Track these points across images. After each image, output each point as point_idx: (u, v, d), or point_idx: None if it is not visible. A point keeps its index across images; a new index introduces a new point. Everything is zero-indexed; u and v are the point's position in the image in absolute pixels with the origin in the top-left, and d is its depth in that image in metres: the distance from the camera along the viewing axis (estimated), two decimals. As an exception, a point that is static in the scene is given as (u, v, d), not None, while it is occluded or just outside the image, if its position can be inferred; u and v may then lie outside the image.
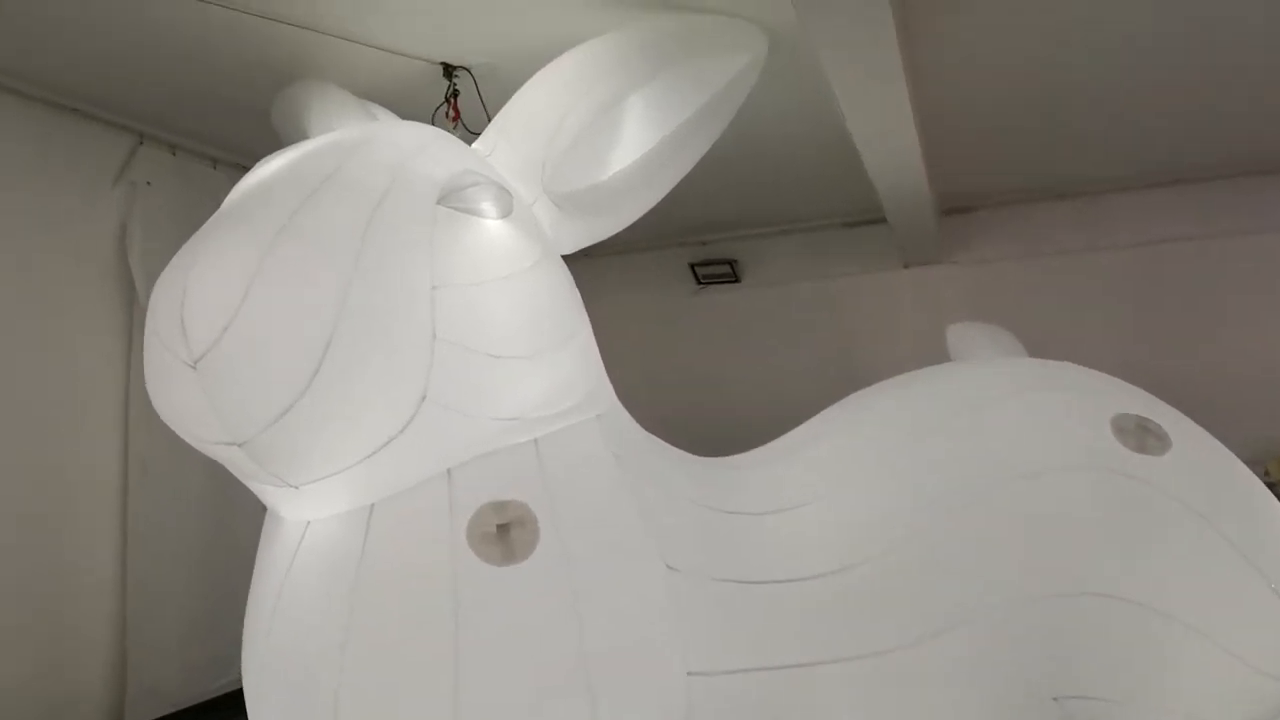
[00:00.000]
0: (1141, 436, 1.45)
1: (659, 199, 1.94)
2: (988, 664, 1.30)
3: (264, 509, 1.38)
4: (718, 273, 4.16)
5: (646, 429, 1.59)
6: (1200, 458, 1.47)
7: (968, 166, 3.21)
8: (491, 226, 1.31)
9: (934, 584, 1.35)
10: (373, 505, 1.23)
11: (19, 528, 2.18)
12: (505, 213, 1.33)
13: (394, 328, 1.14)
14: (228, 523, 2.81)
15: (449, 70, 2.06)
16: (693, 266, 4.17)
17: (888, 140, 2.39)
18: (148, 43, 1.88)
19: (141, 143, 2.53)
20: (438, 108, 2.08)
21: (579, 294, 1.53)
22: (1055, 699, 1.31)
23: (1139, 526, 1.35)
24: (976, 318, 3.65)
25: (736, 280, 4.17)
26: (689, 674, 1.22)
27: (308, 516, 1.26)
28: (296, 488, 1.20)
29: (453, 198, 1.26)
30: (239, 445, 1.12)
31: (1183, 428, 1.52)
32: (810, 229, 3.99)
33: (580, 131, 1.63)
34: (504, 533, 1.20)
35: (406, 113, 1.86)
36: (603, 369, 1.54)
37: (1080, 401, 1.53)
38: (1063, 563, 1.34)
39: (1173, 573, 1.32)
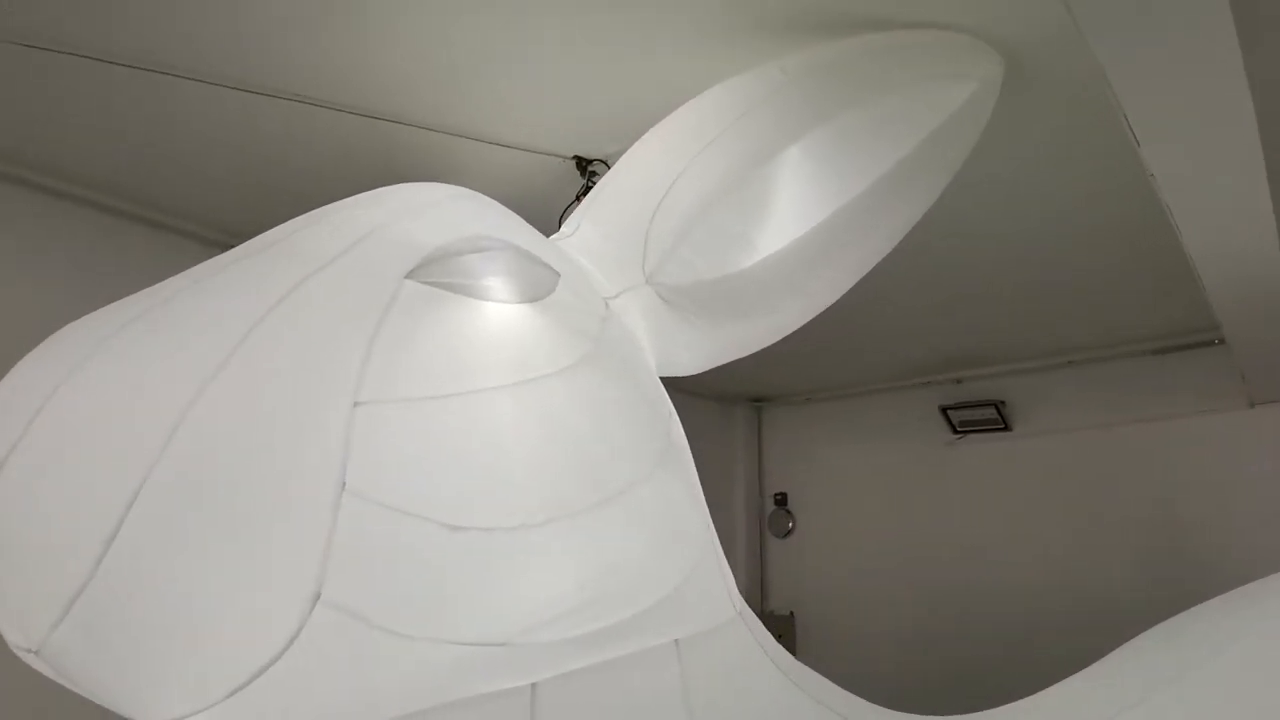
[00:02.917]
0: None
1: (840, 294, 1.36)
2: None
3: None
4: (979, 418, 3.28)
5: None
6: None
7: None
8: (496, 313, 0.81)
9: None
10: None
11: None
12: (528, 295, 0.84)
13: (260, 469, 0.66)
14: None
15: (583, 164, 1.71)
16: (945, 411, 3.34)
17: (1231, 217, 1.54)
18: (267, 155, 1.75)
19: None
20: (568, 207, 1.73)
21: (675, 425, 0.97)
22: None
23: None
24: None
25: (1005, 428, 3.25)
26: None
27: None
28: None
29: (434, 268, 0.80)
30: (34, 652, 0.69)
31: None
32: (1103, 358, 3.02)
33: (706, 200, 1.14)
34: None
35: (541, 212, 1.50)
36: (715, 550, 0.94)
37: None
38: None
39: None
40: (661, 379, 1.06)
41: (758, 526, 3.89)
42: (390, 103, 1.57)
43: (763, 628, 1.00)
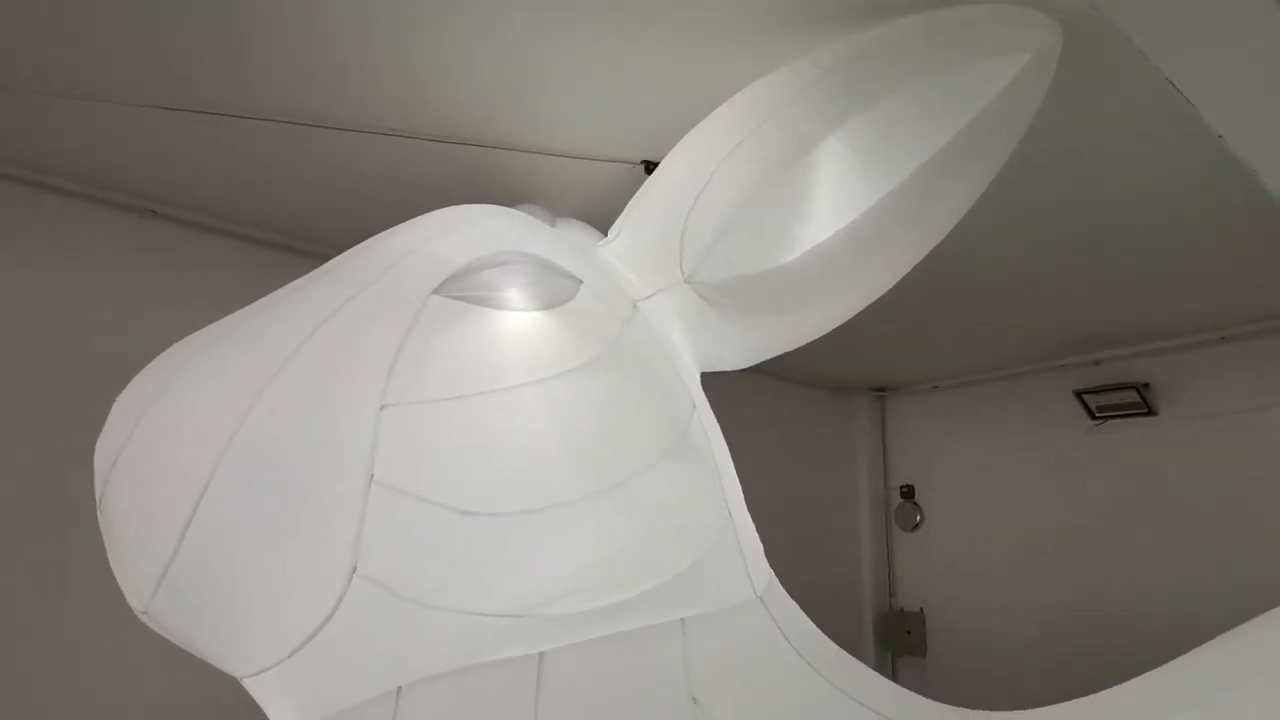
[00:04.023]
0: None
1: (889, 285, 1.34)
2: None
3: None
4: (1120, 402, 3.03)
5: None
6: None
7: None
8: (514, 321, 0.90)
9: None
10: (315, 724, 0.84)
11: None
12: (546, 303, 0.92)
13: (302, 464, 0.79)
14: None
15: (650, 167, 1.77)
16: (1081, 395, 3.11)
17: None
18: (353, 179, 1.95)
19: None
20: (637, 210, 1.79)
21: (696, 420, 1.01)
22: None
23: None
24: None
25: (1150, 412, 2.99)
26: None
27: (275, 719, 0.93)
28: (243, 680, 0.89)
29: (459, 283, 0.90)
30: (146, 614, 0.85)
31: None
32: (1261, 332, 2.70)
33: (742, 199, 1.17)
34: (432, 819, 0.71)
35: (611, 219, 1.60)
36: (735, 532, 0.98)
37: None
38: None
39: None
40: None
41: (883, 520, 3.79)
42: (468, 128, 1.71)
43: (800, 617, 1.02)
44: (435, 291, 0.89)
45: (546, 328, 0.91)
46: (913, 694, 1.03)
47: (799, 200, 1.20)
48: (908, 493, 3.74)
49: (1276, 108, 1.02)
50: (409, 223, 1.05)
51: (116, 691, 1.92)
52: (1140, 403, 2.96)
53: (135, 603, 0.84)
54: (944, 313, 2.86)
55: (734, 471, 1.11)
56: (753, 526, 1.08)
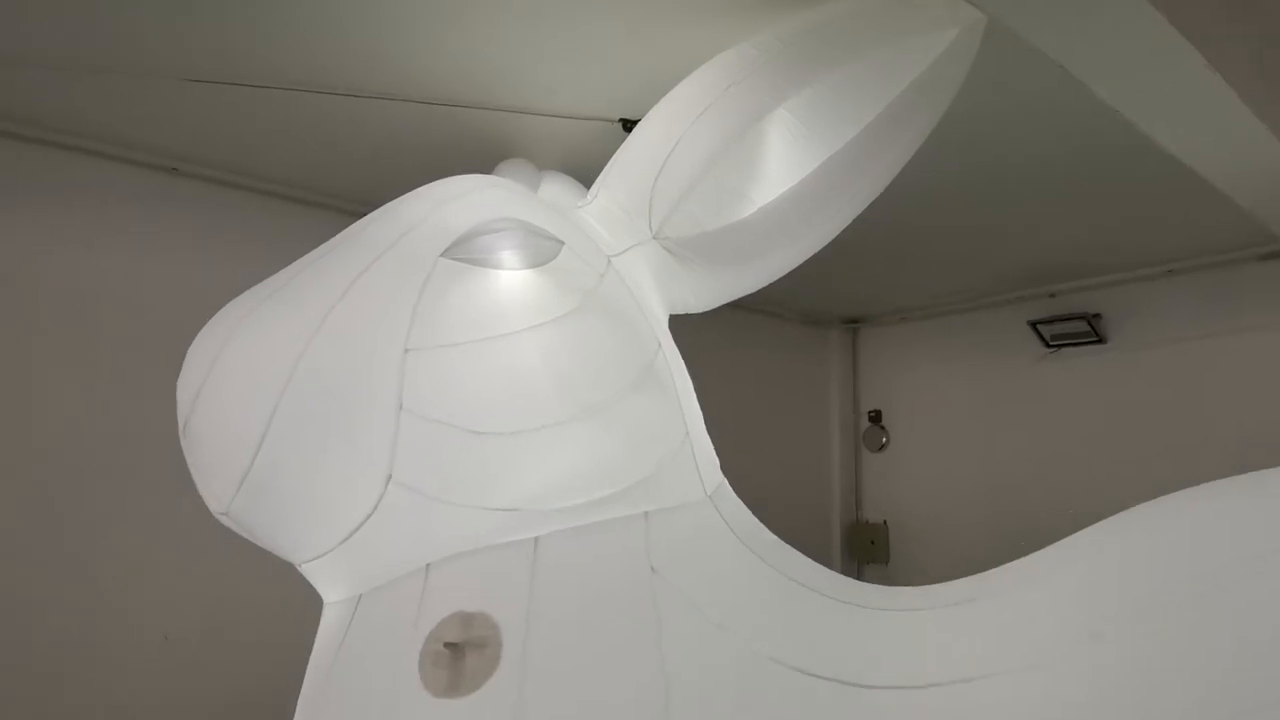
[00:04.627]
0: None
1: (829, 238, 1.54)
2: None
3: None
4: (1072, 332, 3.27)
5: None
6: None
7: None
8: (508, 276, 1.11)
9: None
10: (360, 596, 1.09)
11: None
12: (533, 263, 1.13)
13: (346, 397, 1.00)
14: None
15: (628, 125, 1.93)
16: (1035, 325, 3.35)
17: (1214, 135, 1.54)
18: (359, 139, 2.12)
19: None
20: (615, 165, 1.96)
21: (661, 357, 1.23)
22: None
23: None
24: None
25: (1100, 340, 3.23)
26: None
27: (327, 597, 1.17)
28: (301, 566, 1.13)
29: (461, 247, 1.10)
30: (225, 515, 1.08)
31: None
32: (1203, 266, 2.92)
33: (703, 162, 1.36)
34: (457, 655, 0.96)
35: (593, 171, 1.78)
36: (691, 446, 1.21)
37: None
38: None
39: None
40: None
41: (853, 441, 4.08)
42: (462, 92, 1.87)
43: (744, 512, 1.26)
44: (442, 255, 1.09)
45: (535, 283, 1.11)
46: (838, 575, 1.28)
47: (752, 165, 1.38)
48: (875, 417, 4.01)
49: (1147, 82, 1.20)
50: (416, 192, 1.24)
51: (168, 584, 2.22)
52: (1090, 332, 3.20)
53: (216, 505, 1.07)
54: (911, 250, 3.07)
55: (694, 396, 1.33)
56: (709, 442, 1.32)
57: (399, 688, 0.96)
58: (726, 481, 1.30)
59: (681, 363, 1.34)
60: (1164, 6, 1.05)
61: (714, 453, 1.32)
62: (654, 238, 1.36)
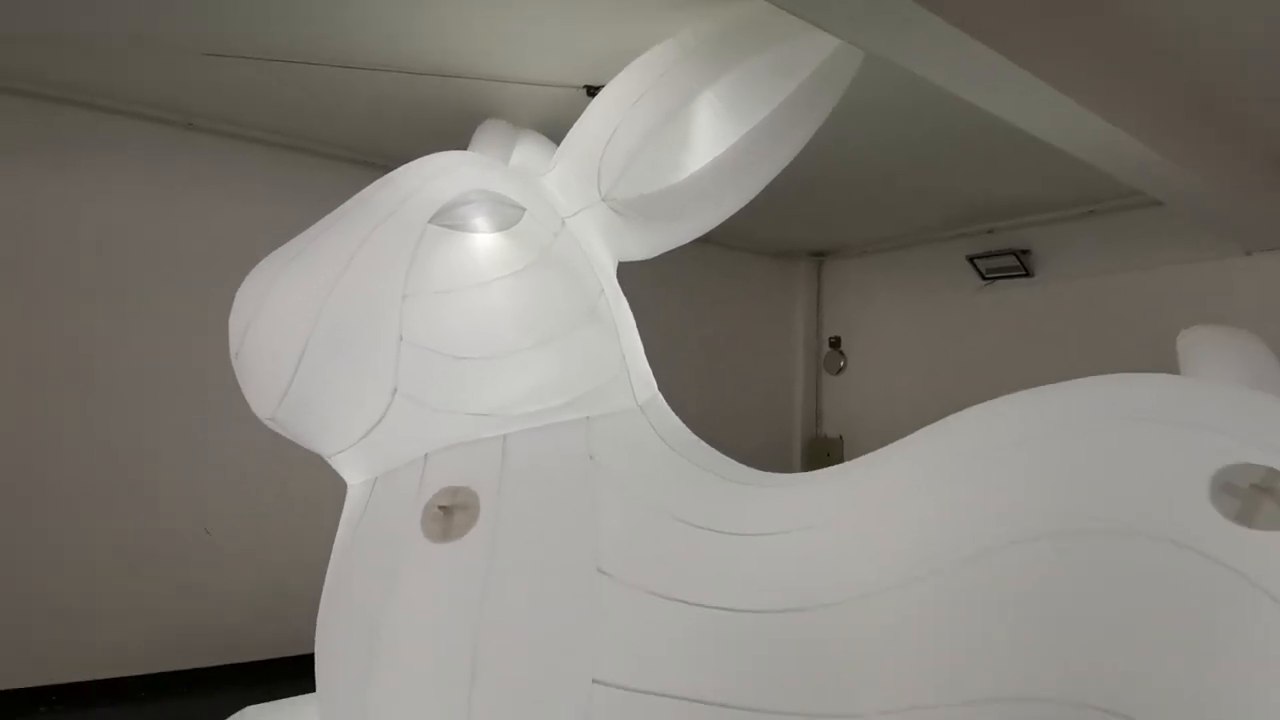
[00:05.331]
0: (1254, 500, 0.99)
1: (750, 198, 1.86)
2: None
3: None
4: (1004, 265, 3.60)
5: None
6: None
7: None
8: (481, 238, 1.45)
9: (897, 654, 1.11)
10: (376, 479, 1.47)
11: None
12: (501, 226, 1.46)
13: (360, 332, 1.36)
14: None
15: (591, 91, 2.22)
16: (973, 260, 3.68)
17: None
18: (357, 102, 2.42)
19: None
20: (580, 127, 2.26)
21: (603, 300, 1.58)
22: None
23: (1185, 623, 0.95)
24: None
25: (1027, 274, 3.57)
26: (593, 680, 1.22)
27: (351, 481, 1.56)
28: (330, 458, 1.51)
29: (445, 215, 1.44)
30: (272, 420, 1.45)
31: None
32: (1119, 208, 3.23)
33: (643, 137, 1.66)
34: (448, 514, 1.34)
35: (564, 132, 2.08)
36: (627, 369, 1.57)
37: (1185, 442, 1.09)
38: (1064, 659, 1.00)
39: (1225, 705, 0.90)
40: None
41: (815, 365, 4.46)
42: (448, 62, 2.16)
43: (671, 419, 1.62)
44: (430, 222, 1.43)
45: (502, 243, 1.45)
46: (735, 463, 1.63)
47: (684, 138, 1.69)
48: (835, 342, 4.39)
49: (976, 79, 1.52)
50: (406, 167, 1.56)
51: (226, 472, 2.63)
52: (1019, 266, 3.54)
53: (263, 412, 1.44)
54: (872, 191, 3.38)
55: (634, 329, 1.68)
56: (645, 366, 1.67)
57: (407, 537, 1.35)
58: (660, 396, 1.67)
59: (624, 302, 1.69)
60: (976, 31, 1.36)
61: (649, 373, 1.68)
62: (602, 200, 1.68)
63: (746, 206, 1.84)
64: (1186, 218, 2.71)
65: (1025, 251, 3.54)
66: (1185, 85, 2.18)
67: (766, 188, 1.77)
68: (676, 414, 1.65)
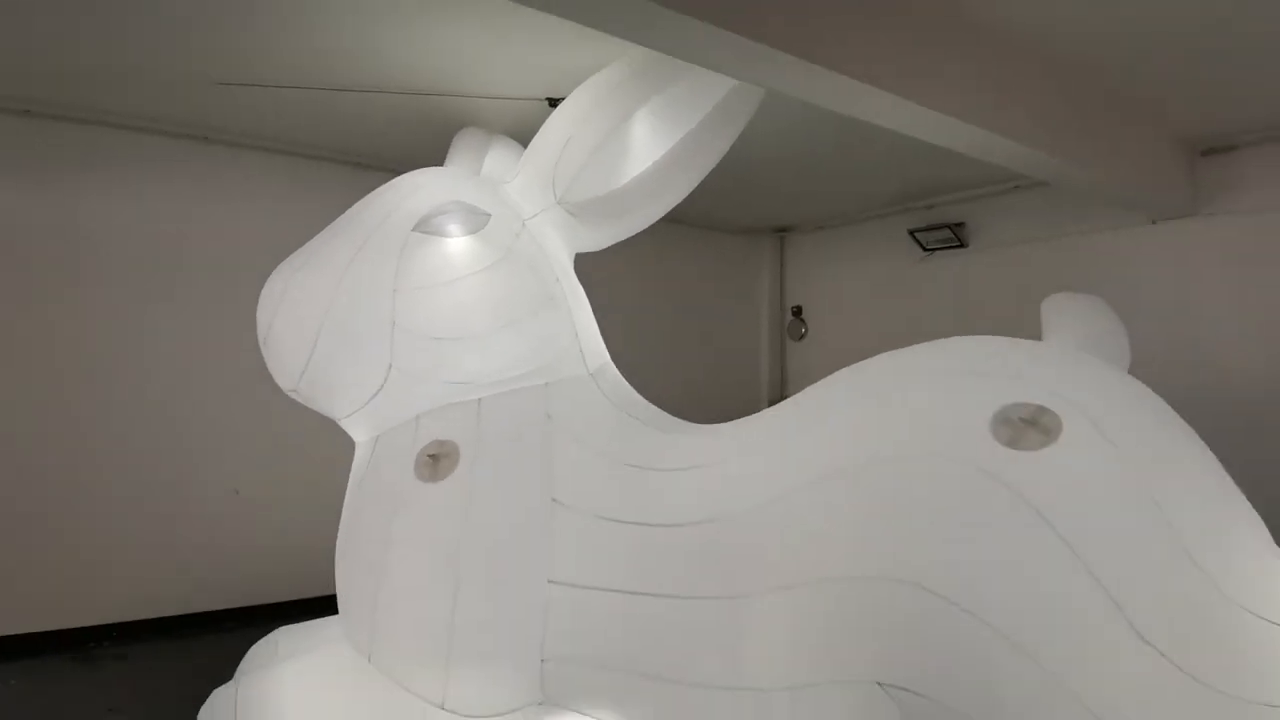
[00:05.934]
0: (1020, 431, 1.36)
1: (682, 197, 2.20)
2: (803, 632, 1.40)
3: None
4: (941, 238, 3.94)
5: None
6: (1098, 462, 1.30)
7: (1227, 92, 2.62)
8: (455, 241, 1.80)
9: (776, 548, 1.49)
10: (378, 436, 1.84)
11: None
12: (471, 230, 1.82)
13: (361, 321, 1.73)
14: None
15: (553, 103, 2.54)
16: (914, 233, 4.02)
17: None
18: (352, 119, 2.75)
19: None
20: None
21: (559, 288, 1.93)
22: (879, 684, 1.31)
23: (966, 520, 1.31)
24: (1237, 280, 2.97)
25: (962, 245, 3.91)
26: (549, 581, 1.60)
27: (358, 439, 1.93)
28: (340, 420, 1.88)
29: (424, 224, 1.79)
30: (294, 392, 1.82)
31: (1113, 425, 1.34)
32: (1042, 183, 3.56)
33: (590, 150, 2.00)
34: (435, 460, 1.72)
35: (527, 133, 2.41)
36: (580, 343, 1.93)
37: (973, 388, 1.46)
38: (886, 547, 1.36)
39: (992, 577, 1.27)
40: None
41: (779, 333, 4.82)
42: (438, 83, 2.49)
43: (621, 385, 1.99)
44: (413, 230, 1.79)
45: (472, 244, 1.81)
46: (671, 416, 2.00)
47: (625, 148, 2.03)
48: (797, 311, 4.74)
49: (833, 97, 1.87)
50: (392, 183, 1.92)
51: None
52: (954, 238, 3.88)
53: (287, 385, 1.81)
54: (827, 172, 3.70)
55: (588, 309, 2.04)
56: (597, 340, 2.04)
57: (404, 479, 1.72)
58: (611, 364, 2.04)
59: (580, 288, 2.05)
60: (845, 69, 1.72)
61: (601, 345, 2.04)
62: (557, 204, 2.03)
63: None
64: (1082, 196, 3.05)
65: (960, 225, 3.88)
66: (1077, 84, 2.53)
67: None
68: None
